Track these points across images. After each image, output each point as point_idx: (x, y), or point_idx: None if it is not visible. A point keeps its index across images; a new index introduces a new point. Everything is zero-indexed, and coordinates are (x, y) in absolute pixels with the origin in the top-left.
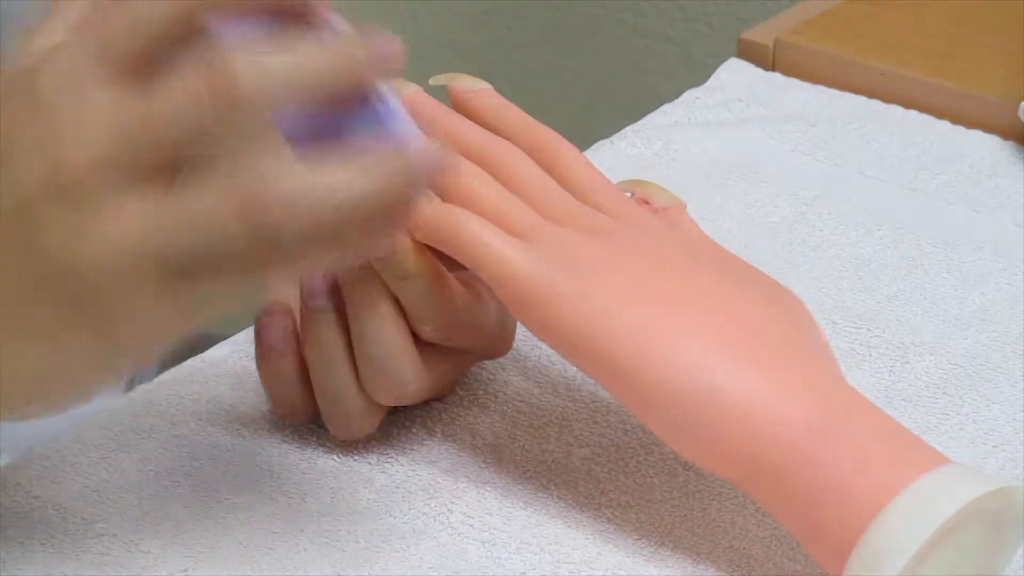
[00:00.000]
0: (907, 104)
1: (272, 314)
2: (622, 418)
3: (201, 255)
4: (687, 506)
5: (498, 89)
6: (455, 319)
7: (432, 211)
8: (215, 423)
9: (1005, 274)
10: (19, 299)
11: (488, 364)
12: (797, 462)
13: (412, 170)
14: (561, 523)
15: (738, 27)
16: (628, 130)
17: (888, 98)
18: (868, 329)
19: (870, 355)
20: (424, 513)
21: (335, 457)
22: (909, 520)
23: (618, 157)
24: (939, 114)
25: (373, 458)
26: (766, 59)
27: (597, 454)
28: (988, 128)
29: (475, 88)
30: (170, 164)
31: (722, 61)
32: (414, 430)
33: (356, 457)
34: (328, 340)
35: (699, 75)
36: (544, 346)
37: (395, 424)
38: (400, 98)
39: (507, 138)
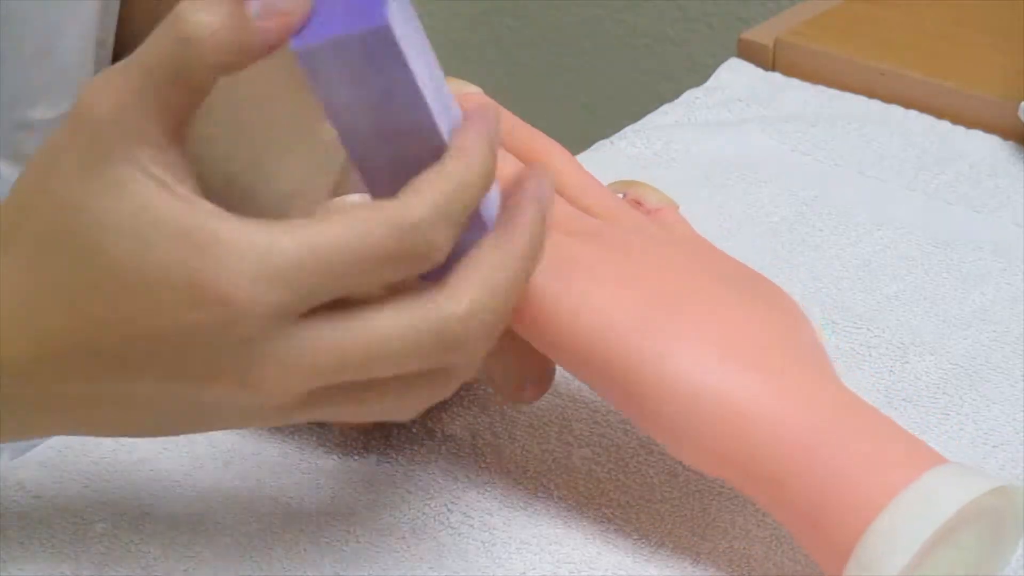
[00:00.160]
0: (907, 104)
1: None
2: (622, 418)
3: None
4: (687, 506)
5: (498, 89)
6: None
7: None
8: None
9: (1005, 274)
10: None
11: None
12: (795, 464)
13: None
14: (561, 523)
15: (738, 27)
16: (628, 130)
17: (888, 98)
18: (868, 329)
19: (870, 355)
20: (424, 513)
21: (335, 457)
22: (910, 520)
23: (618, 157)
24: (939, 114)
25: (373, 458)
26: (766, 59)
27: (597, 454)
28: (988, 128)
29: (464, 92)
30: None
31: (722, 61)
32: (414, 430)
33: (356, 457)
34: None
35: (699, 75)
36: None
37: (395, 424)
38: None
39: None
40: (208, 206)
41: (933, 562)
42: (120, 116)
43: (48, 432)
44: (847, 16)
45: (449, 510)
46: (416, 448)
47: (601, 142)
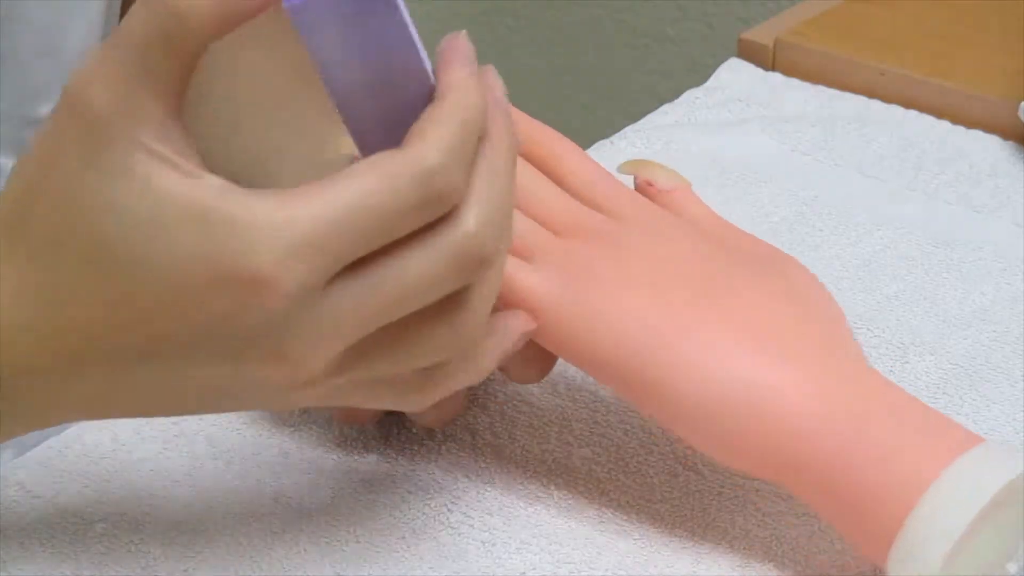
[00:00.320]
0: (907, 104)
1: None
2: (622, 418)
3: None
4: (687, 506)
5: None
6: None
7: None
8: (215, 423)
9: (1005, 274)
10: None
11: None
12: (829, 453)
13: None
14: (561, 523)
15: (738, 27)
16: (628, 130)
17: (888, 98)
18: (868, 329)
19: (870, 355)
20: (424, 513)
21: (335, 457)
22: (956, 498)
23: (618, 157)
24: (939, 114)
25: (373, 458)
26: (766, 59)
27: (597, 454)
28: (988, 128)
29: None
30: None
31: (722, 61)
32: (414, 430)
33: (356, 457)
34: None
35: (699, 75)
36: None
37: (395, 424)
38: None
39: None
40: (218, 181)
41: (975, 544)
42: (118, 99)
43: (67, 421)
44: (847, 16)
45: (449, 510)
46: (416, 448)
47: (601, 142)
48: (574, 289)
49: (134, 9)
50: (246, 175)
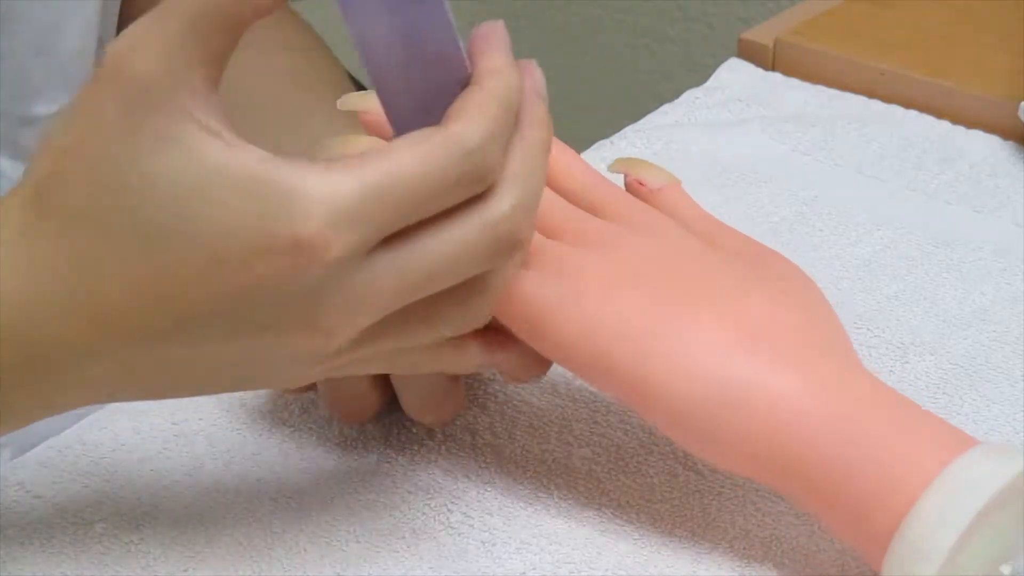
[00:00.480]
0: (907, 104)
1: None
2: (622, 418)
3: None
4: (687, 506)
5: None
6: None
7: None
8: (215, 423)
9: (1005, 274)
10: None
11: None
12: (823, 454)
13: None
14: (561, 523)
15: (738, 27)
16: (628, 130)
17: (888, 98)
18: (868, 329)
19: (870, 355)
20: (424, 513)
21: (335, 457)
22: (956, 498)
23: (618, 157)
24: (939, 114)
25: (373, 458)
26: (766, 59)
27: (597, 454)
28: (988, 128)
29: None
30: None
31: (722, 61)
32: (414, 430)
33: (356, 457)
34: None
35: (699, 75)
36: None
37: (395, 424)
38: None
39: None
40: (259, 152)
41: (974, 543)
42: (165, 66)
43: (92, 402)
44: (847, 16)
45: (449, 510)
46: (416, 448)
47: (601, 142)
48: (568, 292)
49: None
50: None
